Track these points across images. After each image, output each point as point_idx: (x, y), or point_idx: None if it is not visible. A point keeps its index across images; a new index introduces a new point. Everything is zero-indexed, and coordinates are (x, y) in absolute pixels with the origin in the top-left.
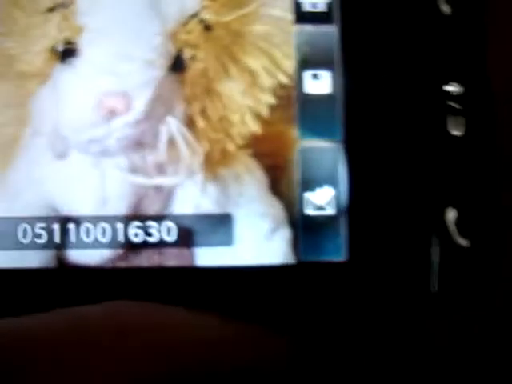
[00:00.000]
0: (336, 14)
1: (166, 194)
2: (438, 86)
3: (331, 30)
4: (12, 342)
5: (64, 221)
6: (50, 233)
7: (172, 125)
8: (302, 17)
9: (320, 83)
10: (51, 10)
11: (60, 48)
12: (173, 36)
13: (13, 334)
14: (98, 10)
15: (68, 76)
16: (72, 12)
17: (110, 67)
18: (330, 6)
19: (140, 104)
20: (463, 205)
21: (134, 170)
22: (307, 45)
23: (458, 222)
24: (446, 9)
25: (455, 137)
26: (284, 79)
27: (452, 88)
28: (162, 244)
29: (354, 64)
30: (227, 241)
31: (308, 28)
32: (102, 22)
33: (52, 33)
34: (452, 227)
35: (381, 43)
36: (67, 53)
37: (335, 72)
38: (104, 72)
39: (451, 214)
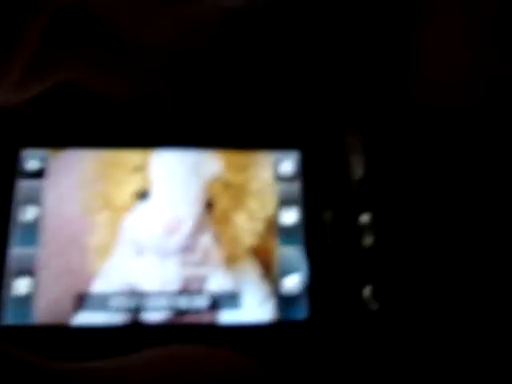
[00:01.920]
0: (300, 176)
1: (203, 278)
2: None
3: (297, 185)
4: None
5: (138, 294)
6: (129, 302)
7: (206, 239)
8: (280, 177)
9: (290, 215)
10: (134, 169)
11: (139, 192)
12: (206, 188)
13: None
14: (161, 171)
15: (145, 209)
16: (147, 171)
17: (170, 204)
18: (296, 171)
19: (187, 226)
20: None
21: (184, 264)
22: (283, 193)
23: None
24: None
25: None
26: (270, 213)
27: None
28: (199, 310)
29: (311, 203)
30: (238, 306)
31: (284, 184)
32: (165, 179)
33: (134, 183)
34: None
35: (328, 189)
36: (144, 195)
37: (299, 208)
38: (166, 207)
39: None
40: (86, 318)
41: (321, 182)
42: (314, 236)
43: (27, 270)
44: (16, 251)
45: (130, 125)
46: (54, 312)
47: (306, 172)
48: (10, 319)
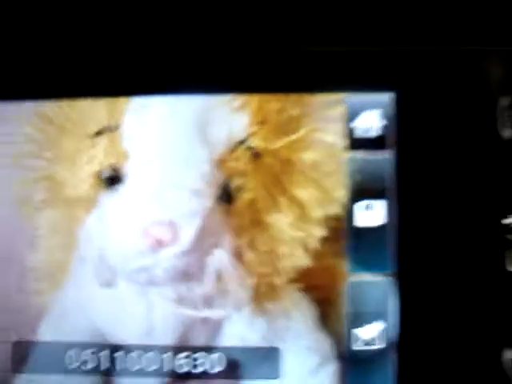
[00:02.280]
0: (390, 140)
1: (214, 325)
2: (496, 219)
3: (385, 157)
4: None
5: (112, 348)
6: (98, 359)
7: (219, 257)
8: (355, 143)
9: (372, 214)
10: (98, 133)
11: (106, 174)
12: (220, 164)
13: None
14: (143, 134)
15: (114, 203)
16: (118, 136)
17: (156, 195)
18: (383, 131)
19: (187, 235)
20: None
21: (181, 300)
22: (360, 173)
23: None
24: (507, 133)
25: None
26: (335, 210)
27: (510, 221)
28: (207, 375)
29: (409, 193)
30: (274, 374)
31: (361, 155)
32: (148, 148)
33: (98, 158)
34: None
35: (438, 170)
36: (113, 179)
37: (389, 202)
38: (150, 200)
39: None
40: (31, 381)
41: (429, 150)
42: (414, 252)
43: None
44: None
45: (91, 58)
46: None
47: (403, 132)
48: None
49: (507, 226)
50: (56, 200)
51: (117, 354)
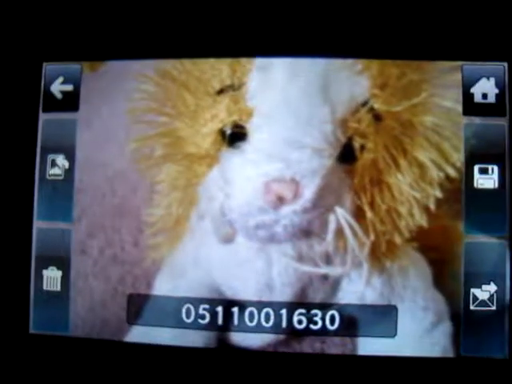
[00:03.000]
0: (507, 106)
1: (332, 283)
2: None
3: (501, 123)
4: None
5: (228, 304)
6: (214, 315)
7: (340, 215)
8: (472, 108)
9: (488, 178)
10: (220, 92)
11: (228, 131)
12: (342, 124)
13: None
14: (267, 93)
15: (236, 160)
16: (242, 95)
17: (278, 153)
18: (498, 98)
19: (308, 192)
20: None
21: (300, 257)
22: (476, 138)
23: None
24: None
25: None
26: (452, 172)
27: None
28: (324, 332)
29: None
30: (391, 332)
31: (477, 120)
32: (272, 106)
33: (220, 115)
34: None
35: None
36: (235, 136)
37: (504, 166)
38: (273, 158)
39: None
40: (147, 334)
41: None
42: None
43: (56, 258)
44: (40, 226)
45: (215, 20)
46: (98, 321)
47: None
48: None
49: None
50: (176, 156)
51: (233, 310)
